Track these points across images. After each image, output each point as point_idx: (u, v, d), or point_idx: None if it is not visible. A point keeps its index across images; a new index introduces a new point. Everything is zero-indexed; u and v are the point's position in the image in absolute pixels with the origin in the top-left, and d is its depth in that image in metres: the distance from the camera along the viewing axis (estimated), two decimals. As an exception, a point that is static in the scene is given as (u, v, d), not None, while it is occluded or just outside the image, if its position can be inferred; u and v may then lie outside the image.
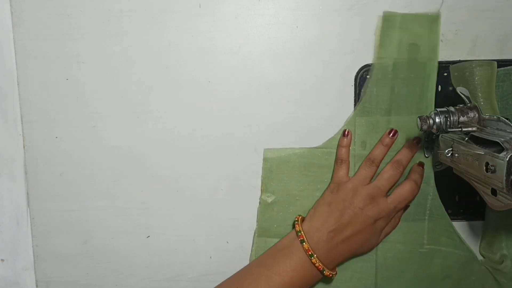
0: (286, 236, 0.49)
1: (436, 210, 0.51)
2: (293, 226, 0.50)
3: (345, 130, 0.50)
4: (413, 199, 0.49)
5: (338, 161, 0.50)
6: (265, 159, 0.51)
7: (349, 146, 0.50)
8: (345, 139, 0.50)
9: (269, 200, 0.51)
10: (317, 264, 0.46)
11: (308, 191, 0.51)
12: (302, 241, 0.46)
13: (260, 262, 0.48)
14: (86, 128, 0.51)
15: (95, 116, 0.51)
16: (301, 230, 0.47)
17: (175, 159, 0.52)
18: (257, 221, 0.52)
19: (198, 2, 0.50)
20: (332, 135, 0.51)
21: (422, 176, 0.50)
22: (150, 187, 0.52)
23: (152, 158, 0.52)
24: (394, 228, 0.51)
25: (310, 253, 0.46)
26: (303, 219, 0.49)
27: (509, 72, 0.49)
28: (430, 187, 0.51)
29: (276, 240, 0.50)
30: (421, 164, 0.50)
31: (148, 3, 0.50)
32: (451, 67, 0.47)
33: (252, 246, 0.52)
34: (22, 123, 0.51)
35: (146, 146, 0.51)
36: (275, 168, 0.51)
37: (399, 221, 0.51)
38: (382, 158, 0.49)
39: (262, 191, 0.51)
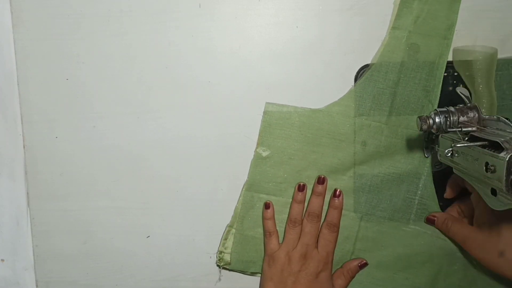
0: None
1: (427, 196, 0.51)
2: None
3: (266, 202, 0.51)
4: (337, 236, 0.50)
5: (266, 234, 0.51)
6: (265, 112, 0.50)
7: (273, 217, 0.51)
8: (268, 211, 0.51)
9: (264, 154, 0.50)
10: None
11: (303, 152, 0.51)
12: None
13: None
14: (86, 128, 0.51)
15: (95, 116, 0.51)
16: None
17: (175, 159, 0.52)
18: (248, 174, 0.51)
19: (198, 2, 0.50)
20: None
21: (340, 207, 0.50)
22: (150, 187, 0.52)
23: (152, 158, 0.52)
24: (349, 281, 0.51)
25: None
26: None
27: (507, 62, 0.49)
28: (423, 175, 0.51)
29: (263, 197, 0.50)
30: (337, 195, 0.50)
31: (148, 3, 0.50)
32: (454, 49, 0.47)
33: (239, 198, 0.52)
34: (22, 123, 0.51)
35: (146, 146, 0.51)
36: (274, 123, 0.50)
37: (352, 274, 0.51)
38: (302, 214, 0.50)
39: (258, 144, 0.51)
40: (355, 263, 0.51)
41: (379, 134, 0.50)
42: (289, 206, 0.51)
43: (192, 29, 0.50)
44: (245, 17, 0.50)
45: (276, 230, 0.51)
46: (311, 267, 0.48)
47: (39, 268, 0.53)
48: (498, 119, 0.39)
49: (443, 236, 0.51)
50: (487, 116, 0.41)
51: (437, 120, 0.42)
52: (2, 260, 0.53)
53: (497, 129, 0.39)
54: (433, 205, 0.51)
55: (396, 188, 0.51)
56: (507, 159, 0.33)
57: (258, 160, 0.51)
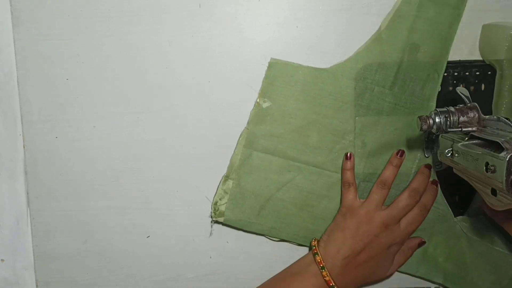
0: (299, 260, 0.49)
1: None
2: (310, 247, 0.50)
3: (347, 153, 0.50)
4: (423, 220, 0.49)
5: (345, 184, 0.50)
6: (270, 66, 0.50)
7: (354, 168, 0.50)
8: (348, 162, 0.50)
9: (264, 105, 0.50)
10: None
11: (304, 111, 0.50)
12: (322, 268, 0.46)
13: (273, 286, 0.48)
14: (86, 128, 0.51)
15: (95, 116, 0.51)
16: (319, 253, 0.47)
17: (175, 159, 0.52)
18: (247, 124, 0.50)
19: (198, 2, 0.50)
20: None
21: (435, 196, 0.49)
22: (150, 187, 0.52)
23: (152, 158, 0.52)
24: (407, 259, 0.51)
25: (331, 284, 0.46)
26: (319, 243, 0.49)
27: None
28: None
29: (262, 155, 0.50)
30: (435, 183, 0.50)
31: (148, 3, 0.50)
32: (484, 26, 0.47)
33: (237, 156, 0.51)
34: (22, 123, 0.51)
35: (146, 146, 0.51)
36: (278, 78, 0.49)
37: (412, 253, 0.51)
38: (393, 180, 0.49)
39: (259, 95, 0.50)
40: (416, 241, 0.51)
41: (381, 100, 0.49)
42: (287, 167, 0.51)
43: (192, 29, 0.50)
44: (245, 17, 0.50)
45: (355, 182, 0.49)
46: (389, 238, 0.47)
47: (39, 268, 0.53)
48: (498, 119, 0.39)
49: (436, 204, 0.50)
50: (487, 116, 0.41)
51: (437, 120, 0.42)
52: (2, 260, 0.53)
53: (497, 129, 0.39)
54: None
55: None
56: (507, 159, 0.33)
57: (257, 111, 0.50)
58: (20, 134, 0.51)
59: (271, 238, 0.52)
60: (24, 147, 0.52)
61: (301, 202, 0.51)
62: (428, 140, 0.50)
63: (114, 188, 0.52)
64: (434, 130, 0.42)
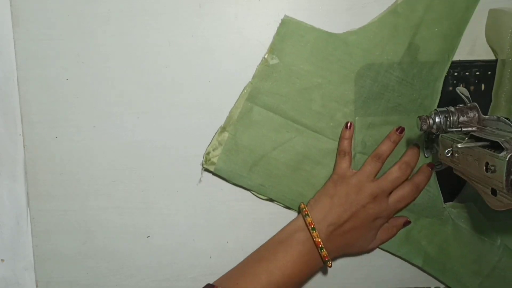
0: (284, 227, 0.50)
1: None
2: (298, 211, 0.50)
3: (347, 123, 0.50)
4: (413, 200, 0.50)
5: (340, 152, 0.50)
6: (282, 23, 0.49)
7: (351, 138, 0.50)
8: (347, 131, 0.50)
9: (271, 62, 0.49)
10: (324, 254, 0.46)
11: (310, 74, 0.49)
12: (313, 229, 0.47)
13: (260, 256, 0.49)
14: (86, 128, 0.51)
15: (95, 116, 0.51)
16: (309, 215, 0.47)
17: (175, 159, 0.52)
18: (252, 79, 0.50)
19: (198, 2, 0.50)
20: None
21: (428, 178, 0.50)
22: (150, 187, 0.52)
23: (152, 158, 0.52)
24: (390, 237, 0.51)
25: (320, 246, 0.46)
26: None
27: None
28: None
29: (262, 111, 0.49)
30: (430, 165, 0.50)
31: (148, 3, 0.50)
32: (490, 10, 0.47)
33: (237, 109, 0.50)
34: (22, 123, 0.51)
35: (146, 146, 0.51)
36: (289, 37, 0.49)
37: (396, 232, 0.51)
38: (389, 155, 0.49)
39: (268, 51, 0.49)
40: (401, 220, 0.51)
41: (389, 73, 0.49)
42: (286, 128, 0.50)
43: (192, 29, 0.50)
44: (245, 17, 0.50)
45: (351, 152, 0.49)
46: (376, 209, 0.48)
47: (39, 268, 0.53)
48: (498, 119, 0.39)
49: (428, 187, 0.50)
50: (487, 116, 0.41)
51: (437, 120, 0.42)
52: (2, 260, 0.53)
53: (497, 129, 0.39)
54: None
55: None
56: (507, 159, 0.33)
57: (264, 67, 0.49)
58: (20, 134, 0.51)
59: (258, 195, 0.51)
60: (24, 147, 0.52)
61: (294, 165, 0.51)
62: (428, 140, 0.50)
63: (114, 188, 0.52)
64: (434, 130, 0.42)
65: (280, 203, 0.52)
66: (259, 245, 0.51)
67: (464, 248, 0.51)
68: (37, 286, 0.53)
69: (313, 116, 0.50)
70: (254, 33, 0.50)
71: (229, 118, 0.50)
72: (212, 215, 0.52)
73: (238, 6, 0.50)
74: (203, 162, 0.51)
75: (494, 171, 0.35)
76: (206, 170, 0.51)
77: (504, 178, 0.33)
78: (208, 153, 0.51)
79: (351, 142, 0.50)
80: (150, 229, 0.53)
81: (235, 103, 0.50)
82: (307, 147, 0.51)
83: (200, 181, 0.52)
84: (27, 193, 0.52)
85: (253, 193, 0.52)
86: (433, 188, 0.51)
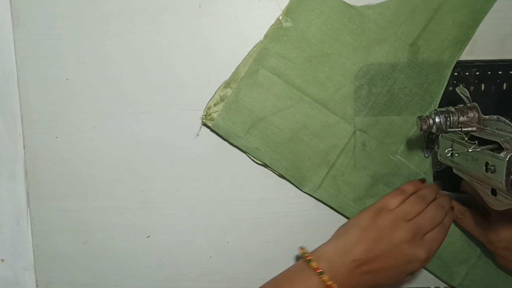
0: (294, 265, 0.47)
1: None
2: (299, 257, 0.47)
3: (423, 179, 0.49)
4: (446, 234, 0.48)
5: (399, 189, 0.48)
6: None
7: (417, 191, 0.48)
8: (418, 184, 0.48)
9: (285, 24, 0.48)
10: None
11: (322, 43, 0.49)
12: (320, 273, 0.42)
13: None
14: (86, 128, 0.51)
15: (95, 116, 0.51)
16: (313, 260, 0.43)
17: (175, 159, 0.52)
18: (263, 38, 0.49)
19: (198, 2, 0.50)
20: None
21: (452, 220, 0.49)
22: (150, 187, 0.52)
23: (152, 158, 0.52)
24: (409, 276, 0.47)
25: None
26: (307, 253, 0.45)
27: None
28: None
29: (268, 74, 0.49)
30: (452, 208, 0.49)
31: (148, 3, 0.50)
32: None
33: (244, 66, 0.49)
34: (22, 123, 0.51)
35: (146, 146, 0.51)
36: (306, 2, 0.48)
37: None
38: (434, 197, 0.48)
39: (283, 13, 0.49)
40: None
41: (399, 53, 0.49)
42: (289, 94, 0.49)
43: (192, 29, 0.50)
44: (245, 17, 0.50)
45: (408, 196, 0.47)
46: (411, 251, 0.43)
47: (39, 268, 0.53)
48: (498, 119, 0.39)
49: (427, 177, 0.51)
50: (487, 116, 0.41)
51: (437, 120, 0.42)
52: (2, 260, 0.53)
53: (497, 129, 0.39)
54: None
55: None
56: (507, 159, 0.33)
57: (277, 28, 0.49)
58: (20, 134, 0.51)
59: (252, 158, 0.51)
60: (24, 147, 0.52)
61: (292, 133, 0.50)
62: (428, 140, 0.50)
63: (114, 188, 0.52)
64: (434, 130, 0.42)
65: (274, 170, 0.51)
66: (259, 245, 0.51)
67: (452, 236, 0.51)
68: (37, 286, 0.53)
69: (318, 86, 0.49)
70: (254, 33, 0.50)
71: (234, 74, 0.49)
72: (212, 215, 0.52)
73: (238, 6, 0.50)
74: (203, 117, 0.50)
75: (494, 171, 0.35)
76: (204, 125, 0.50)
77: (504, 178, 0.33)
78: (209, 108, 0.50)
79: (414, 190, 0.48)
80: (150, 229, 0.53)
81: (243, 59, 0.49)
82: (308, 117, 0.50)
83: (197, 135, 0.51)
84: (27, 193, 0.52)
85: (248, 156, 0.51)
86: (428, 175, 0.51)
